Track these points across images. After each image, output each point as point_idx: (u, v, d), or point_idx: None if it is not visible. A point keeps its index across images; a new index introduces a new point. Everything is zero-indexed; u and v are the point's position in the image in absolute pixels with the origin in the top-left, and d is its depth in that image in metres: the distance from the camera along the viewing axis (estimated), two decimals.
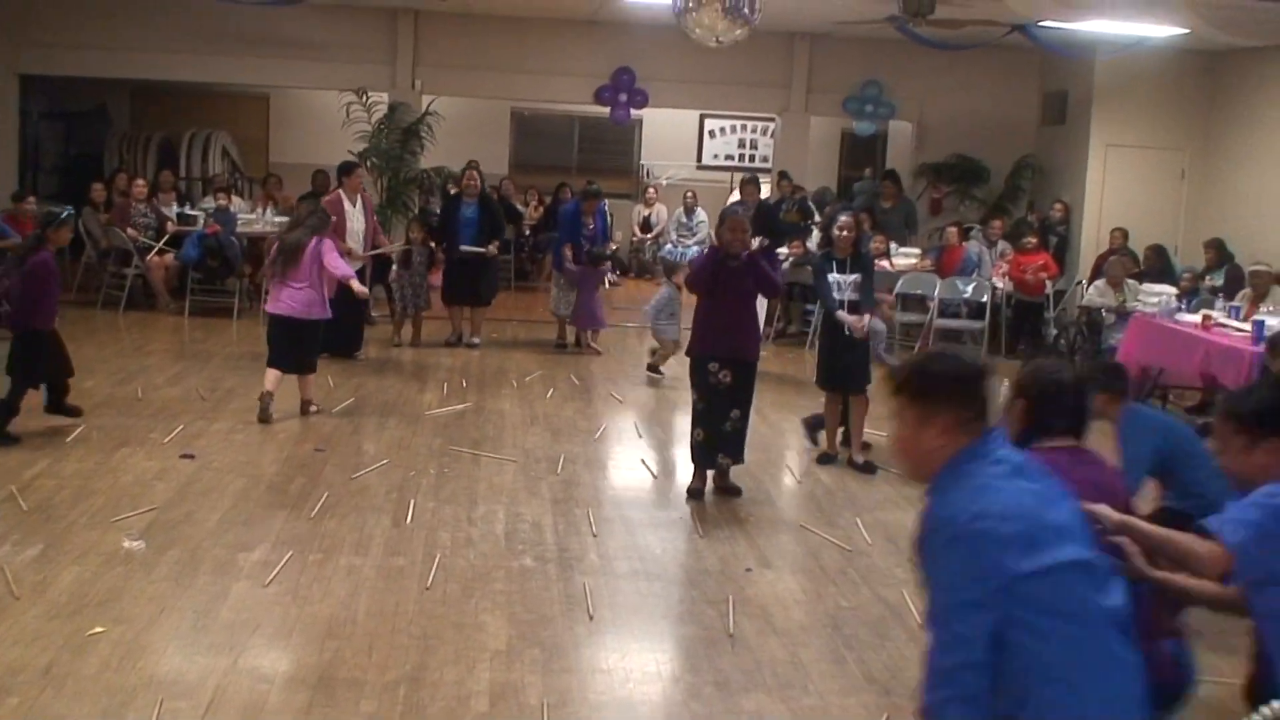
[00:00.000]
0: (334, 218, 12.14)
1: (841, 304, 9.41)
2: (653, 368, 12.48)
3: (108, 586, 6.37)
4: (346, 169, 12.87)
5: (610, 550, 7.34)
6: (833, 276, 9.47)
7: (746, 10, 8.98)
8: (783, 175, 16.87)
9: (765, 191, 16.58)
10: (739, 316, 8.58)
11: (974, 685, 3.06)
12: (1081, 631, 3.09)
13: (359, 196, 12.64)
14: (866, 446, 9.56)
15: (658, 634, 6.26)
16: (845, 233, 9.49)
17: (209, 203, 16.06)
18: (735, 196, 17.74)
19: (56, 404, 9.22)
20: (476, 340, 13.60)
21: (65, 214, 9.23)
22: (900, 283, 14.26)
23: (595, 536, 7.58)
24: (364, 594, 6.45)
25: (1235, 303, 11.85)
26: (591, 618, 6.32)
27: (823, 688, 5.65)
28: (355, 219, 12.41)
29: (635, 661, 5.82)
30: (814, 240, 14.93)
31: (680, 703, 5.45)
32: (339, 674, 5.51)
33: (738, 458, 8.65)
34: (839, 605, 6.68)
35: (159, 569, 6.65)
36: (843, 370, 9.43)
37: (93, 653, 5.59)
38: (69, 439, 8.90)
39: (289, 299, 10.02)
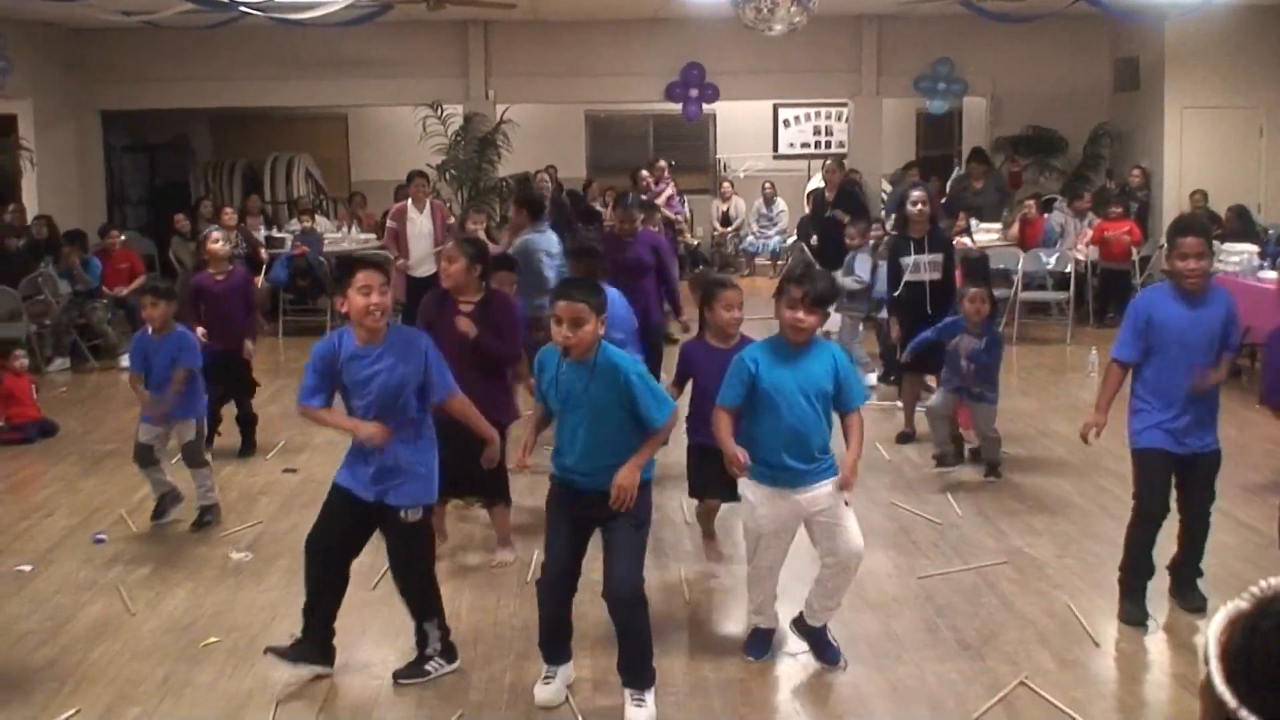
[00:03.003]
0: (393, 223, 12.88)
1: (924, 285, 9.14)
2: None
3: (219, 598, 6.60)
4: (409, 178, 13.48)
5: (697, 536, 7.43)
6: (910, 258, 9.19)
7: None
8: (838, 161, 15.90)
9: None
10: None
11: None
12: None
13: (426, 202, 13.18)
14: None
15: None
16: (920, 206, 9.19)
17: (294, 225, 16.41)
18: (815, 184, 17.72)
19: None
20: None
21: None
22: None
23: (688, 525, 7.68)
24: (467, 591, 6.63)
25: None
26: (686, 601, 6.47)
27: (916, 656, 5.73)
28: (421, 222, 12.95)
29: (731, 644, 5.93)
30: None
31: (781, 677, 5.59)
32: None
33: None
34: (930, 576, 6.75)
35: (268, 579, 6.87)
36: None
37: (208, 662, 5.79)
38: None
39: None
